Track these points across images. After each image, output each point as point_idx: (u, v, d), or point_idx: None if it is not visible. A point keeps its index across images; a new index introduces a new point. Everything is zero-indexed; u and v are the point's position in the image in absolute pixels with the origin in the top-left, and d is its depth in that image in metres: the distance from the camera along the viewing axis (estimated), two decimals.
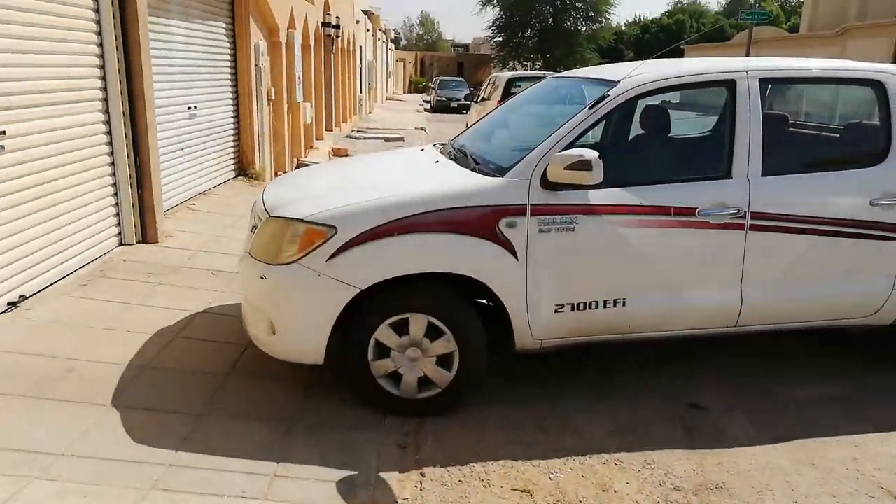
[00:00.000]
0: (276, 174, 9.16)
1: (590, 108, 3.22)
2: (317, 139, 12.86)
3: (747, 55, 20.65)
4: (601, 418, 3.24)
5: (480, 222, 3.01)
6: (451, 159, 3.69)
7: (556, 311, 3.17)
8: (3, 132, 3.87)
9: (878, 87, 3.47)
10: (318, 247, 2.94)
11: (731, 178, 3.28)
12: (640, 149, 4.04)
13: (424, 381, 3.16)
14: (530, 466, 2.84)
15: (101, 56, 4.96)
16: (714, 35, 42.74)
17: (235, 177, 8.21)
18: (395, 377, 3.15)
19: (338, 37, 15.06)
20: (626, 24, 59.14)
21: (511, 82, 12.25)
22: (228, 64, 7.98)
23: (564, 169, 2.98)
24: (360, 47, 21.66)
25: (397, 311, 3.05)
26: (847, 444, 3.06)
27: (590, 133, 3.41)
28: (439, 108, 28.63)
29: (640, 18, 60.16)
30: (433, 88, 32.32)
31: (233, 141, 8.19)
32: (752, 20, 22.59)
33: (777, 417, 3.29)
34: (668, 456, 2.94)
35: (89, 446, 2.72)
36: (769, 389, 3.56)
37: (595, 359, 3.83)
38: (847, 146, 3.89)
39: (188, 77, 6.77)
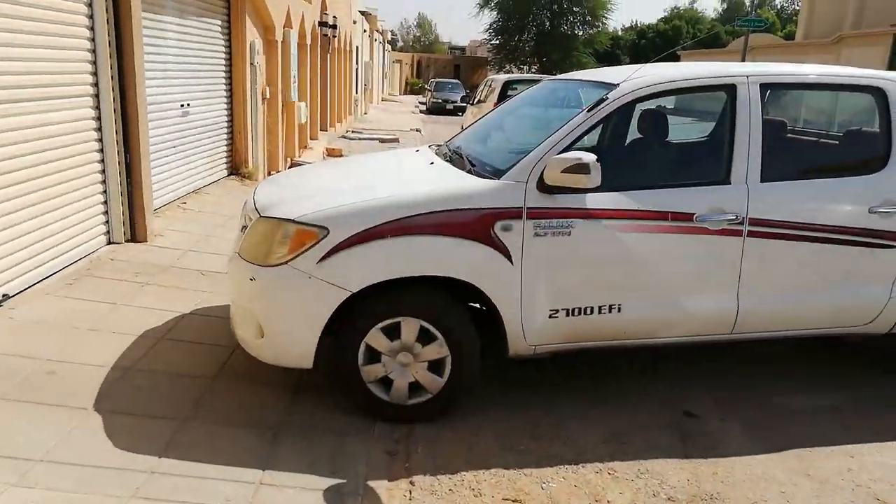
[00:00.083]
0: (269, 173, 9.08)
1: (588, 111, 3.18)
2: (311, 139, 12.79)
3: (743, 62, 20.70)
4: (595, 425, 3.18)
5: (475, 225, 2.96)
6: (447, 161, 3.63)
7: (550, 317, 3.11)
8: None
9: (878, 94, 3.43)
10: (309, 248, 2.88)
11: (730, 183, 3.24)
12: (637, 153, 3.99)
13: (415, 387, 3.10)
14: (522, 475, 2.78)
15: (93, 52, 4.88)
16: (710, 41, 42.91)
17: (228, 176, 8.14)
18: (386, 382, 3.08)
19: (334, 37, 15.00)
20: (622, 29, 59.33)
21: (508, 85, 12.21)
22: (223, 62, 7.91)
23: (562, 172, 2.93)
24: (357, 48, 21.60)
25: (389, 314, 2.99)
26: (842, 455, 3.02)
27: (585, 137, 3.37)
28: (435, 109, 28.59)
29: (636, 24, 60.30)
30: (429, 90, 32.29)
31: (226, 139, 8.12)
32: (748, 27, 22.63)
33: (772, 426, 3.24)
34: (663, 465, 2.89)
35: (69, 452, 2.65)
36: (764, 398, 3.52)
37: (589, 364, 3.78)
38: (846, 153, 3.86)
39: (182, 74, 6.70)
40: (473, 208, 2.97)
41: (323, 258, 2.86)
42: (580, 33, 44.85)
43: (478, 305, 3.19)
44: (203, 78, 7.31)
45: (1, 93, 3.89)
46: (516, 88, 11.29)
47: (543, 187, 3.01)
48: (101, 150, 5.05)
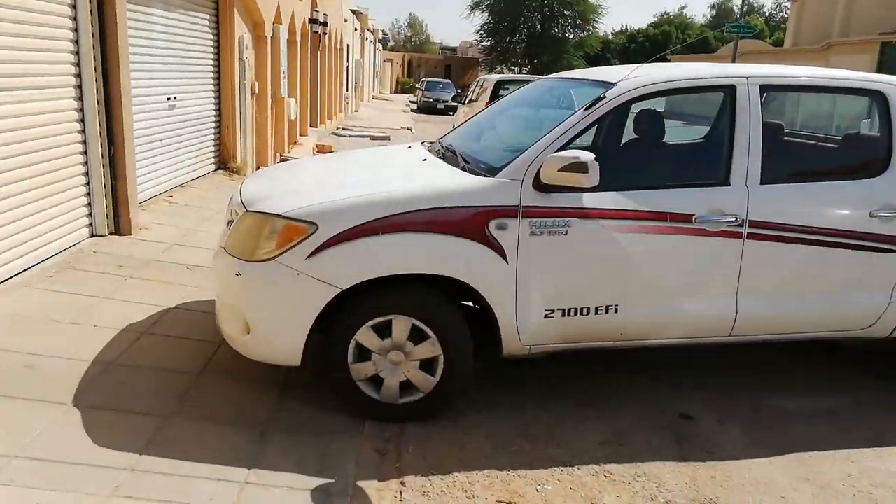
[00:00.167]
0: (257, 169, 8.95)
1: (586, 110, 3.11)
2: (301, 135, 12.66)
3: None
4: (591, 427, 3.12)
5: (469, 223, 2.88)
6: (440, 158, 3.56)
7: (545, 317, 3.05)
8: None
9: (879, 97, 3.40)
10: (297, 244, 2.79)
11: (730, 185, 3.18)
12: (635, 153, 3.93)
13: (407, 386, 3.01)
14: (516, 477, 2.71)
15: (76, 42, 4.75)
16: (699, 46, 43.20)
17: (215, 170, 8.01)
18: (376, 381, 3.00)
19: (325, 34, 14.88)
20: (613, 33, 59.60)
21: (500, 84, 12.16)
22: (211, 56, 7.78)
23: (559, 170, 2.86)
24: (348, 46, 21.48)
25: (380, 312, 2.91)
26: (842, 459, 2.97)
27: (580, 137, 3.31)
28: (426, 108, 28.52)
29: (626, 28, 60.59)
30: (420, 89, 32.20)
31: (214, 134, 7.99)
32: (737, 33, 22.79)
33: (770, 429, 3.19)
34: (660, 468, 2.83)
35: (47, 448, 2.53)
36: (761, 400, 3.47)
37: (584, 365, 3.71)
38: (846, 157, 3.82)
39: (169, 68, 6.57)
40: (468, 206, 2.90)
41: (312, 254, 2.78)
42: (571, 36, 45.02)
43: (471, 304, 3.12)
44: (191, 72, 7.18)
45: None
46: (508, 88, 11.23)
47: (539, 186, 2.94)
48: (84, 142, 4.92)
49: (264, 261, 2.83)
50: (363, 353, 2.95)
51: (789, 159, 3.75)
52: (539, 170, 2.93)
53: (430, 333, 2.94)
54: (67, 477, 2.39)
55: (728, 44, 28.03)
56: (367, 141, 14.60)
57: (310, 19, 13.20)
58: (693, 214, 3.10)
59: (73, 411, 2.79)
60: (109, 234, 5.15)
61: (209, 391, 3.09)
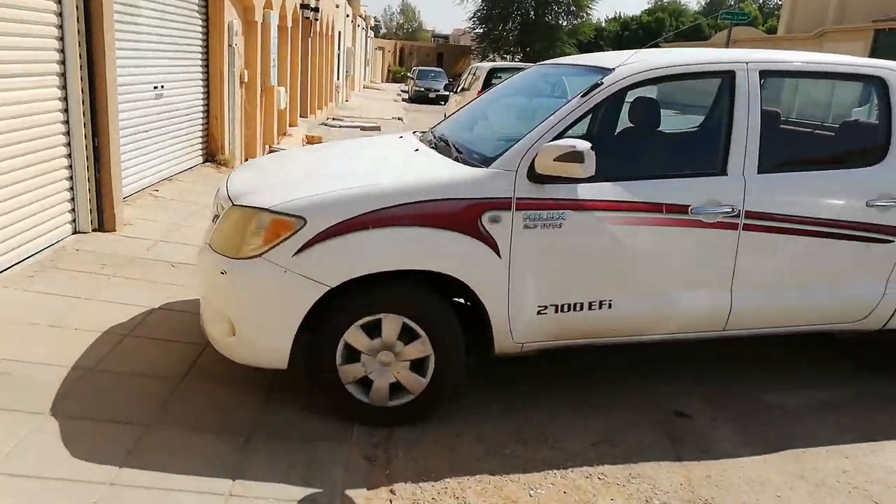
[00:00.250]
0: (246, 161, 8.82)
1: (582, 97, 3.02)
2: (290, 126, 12.51)
3: None
4: (583, 427, 3.06)
5: (462, 216, 2.79)
6: (432, 148, 3.46)
7: (539, 313, 2.97)
8: None
9: (879, 83, 3.32)
10: (284, 240, 2.69)
11: (727, 174, 3.11)
12: (630, 142, 3.84)
13: (397, 388, 2.94)
14: (509, 482, 2.64)
15: (61, 27, 4.61)
16: (692, 34, 42.97)
17: (203, 162, 7.88)
18: (365, 383, 2.92)
19: (316, 20, 14.67)
20: (606, 21, 59.20)
21: (492, 73, 12.03)
22: (200, 43, 7.62)
23: (554, 160, 2.77)
24: (339, 32, 21.23)
25: (369, 311, 2.82)
26: (837, 455, 2.93)
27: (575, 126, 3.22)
28: (417, 98, 28.29)
29: (620, 15, 60.28)
30: (412, 78, 31.93)
31: (201, 124, 7.85)
32: (731, 20, 22.60)
33: (764, 426, 3.14)
34: (654, 468, 2.77)
35: (21, 462, 2.44)
36: (755, 396, 3.42)
37: (577, 361, 3.64)
38: (843, 145, 3.75)
39: (155, 55, 6.42)
40: (460, 198, 2.81)
41: (299, 250, 2.68)
42: (564, 23, 44.64)
43: (462, 301, 3.04)
44: (178, 59, 7.03)
45: None
46: (501, 77, 11.11)
47: (534, 176, 2.86)
48: (68, 133, 4.79)
49: (251, 258, 2.73)
50: (352, 354, 2.87)
51: (786, 148, 3.67)
52: (534, 160, 2.84)
53: (421, 332, 2.86)
54: (42, 493, 2.30)
55: (721, 31, 27.87)
56: (357, 131, 14.45)
57: (301, 4, 12.99)
58: (689, 205, 3.02)
59: (51, 421, 2.70)
60: (93, 230, 5.04)
61: (193, 397, 3.00)
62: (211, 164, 7.91)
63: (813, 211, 3.17)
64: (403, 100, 28.66)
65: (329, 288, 2.71)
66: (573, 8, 43.80)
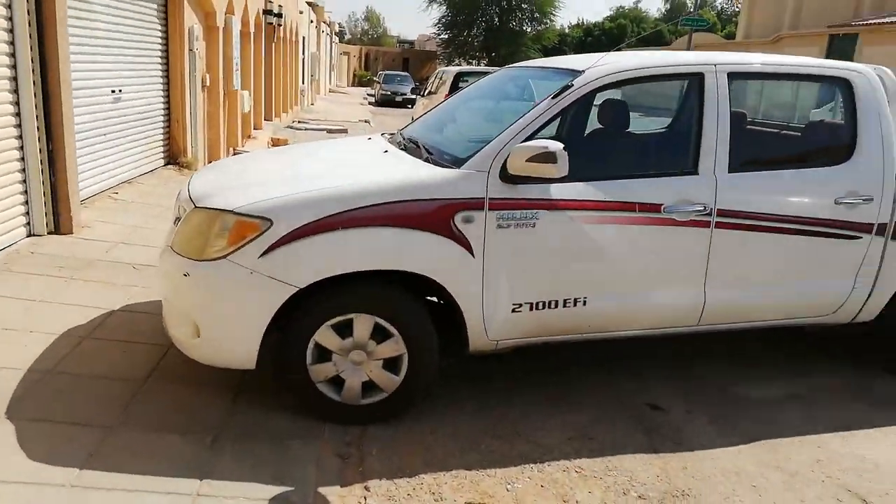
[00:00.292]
0: (209, 163, 8.64)
1: (553, 98, 3.02)
2: (255, 129, 12.33)
3: None
4: (558, 421, 3.04)
5: (434, 216, 2.76)
6: (402, 149, 3.42)
7: (513, 311, 2.95)
8: None
9: (845, 85, 3.39)
10: (250, 241, 2.62)
11: (698, 174, 3.13)
12: (601, 143, 3.86)
13: (369, 386, 2.88)
14: (486, 476, 2.61)
15: (11, 31, 4.45)
16: (653, 39, 43.87)
17: (165, 165, 7.69)
18: (337, 382, 2.86)
19: (280, 25, 14.52)
20: (569, 27, 60.10)
21: (459, 76, 12.02)
22: (159, 47, 7.45)
23: (527, 161, 2.76)
24: (304, 38, 21.05)
25: (340, 311, 2.76)
26: (810, 445, 2.96)
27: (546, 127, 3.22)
28: (384, 101, 28.21)
29: (583, 21, 61.26)
30: (378, 82, 31.85)
31: (163, 128, 7.66)
32: (691, 26, 23.14)
33: (737, 417, 3.17)
34: (631, 461, 2.76)
35: None
36: (726, 388, 3.46)
37: (550, 357, 3.63)
38: (810, 144, 3.81)
39: (113, 58, 6.25)
40: (432, 199, 2.77)
41: (266, 252, 2.61)
42: (528, 29, 45.13)
43: (435, 299, 3.00)
44: (137, 63, 6.86)
45: None
46: (467, 80, 11.12)
47: (506, 177, 2.84)
48: (20, 137, 4.62)
49: (214, 259, 2.65)
50: (323, 354, 2.81)
51: (755, 148, 3.73)
52: (506, 160, 2.83)
53: (394, 332, 2.81)
54: (0, 496, 2.19)
55: (682, 37, 28.48)
56: (323, 134, 14.31)
57: (264, 10, 12.85)
58: (661, 204, 3.04)
59: (6, 424, 2.57)
60: (49, 233, 4.86)
61: (157, 398, 2.89)
62: (173, 167, 7.72)
63: (783, 209, 3.21)
64: (370, 103, 28.54)
65: (297, 289, 2.65)
66: (537, 14, 44.32)
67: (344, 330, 2.79)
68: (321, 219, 2.64)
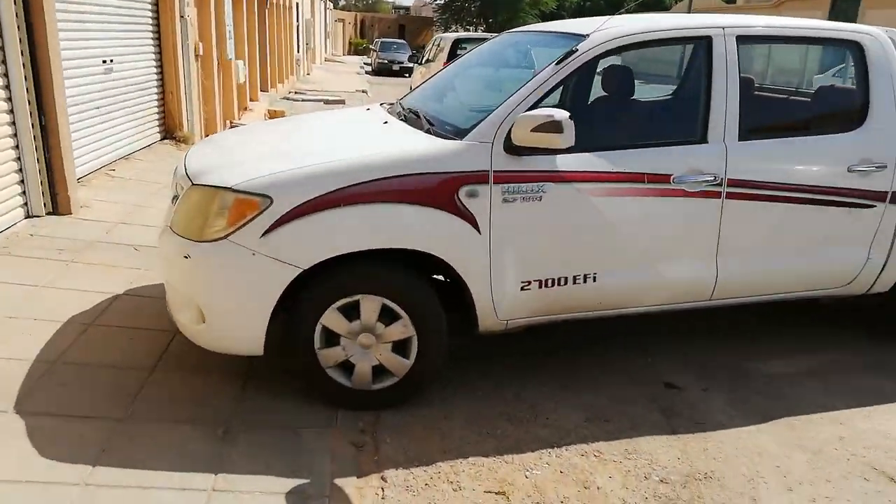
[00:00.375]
0: (206, 137, 8.48)
1: (557, 64, 2.89)
2: (251, 100, 12.11)
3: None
4: (574, 403, 2.99)
5: (437, 191, 2.66)
6: (402, 120, 3.30)
7: (522, 289, 2.87)
8: None
9: (856, 48, 3.27)
10: (250, 220, 2.52)
11: (707, 142, 3.03)
12: (607, 111, 3.74)
13: (380, 370, 2.82)
14: (503, 463, 2.56)
15: None
16: (654, 4, 42.97)
17: (161, 140, 7.54)
18: (347, 367, 2.80)
19: None
20: None
21: (457, 43, 11.78)
22: (150, 14, 7.22)
23: (532, 131, 2.65)
24: (297, 4, 20.57)
25: (346, 292, 2.68)
26: (832, 422, 2.92)
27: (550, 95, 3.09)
28: (381, 70, 27.77)
29: None
30: (374, 50, 31.30)
31: (157, 100, 7.48)
32: None
33: (755, 395, 3.12)
34: (650, 443, 2.72)
35: None
36: (741, 364, 3.41)
37: (561, 336, 3.57)
38: (821, 110, 3.70)
39: (102, 28, 6.04)
40: (435, 172, 2.67)
41: (267, 231, 2.52)
42: None
43: (442, 278, 2.92)
44: (128, 32, 6.64)
45: None
46: (466, 47, 10.87)
47: (511, 148, 2.73)
48: (12, 112, 4.47)
49: (215, 240, 2.56)
50: (331, 338, 2.74)
51: (765, 115, 3.61)
52: (510, 130, 2.72)
53: (402, 313, 2.74)
54: (11, 498, 2.13)
55: (682, 1, 27.86)
56: (321, 105, 14.07)
57: None
58: (671, 174, 2.94)
59: (16, 420, 2.51)
60: (47, 213, 4.75)
61: (165, 387, 2.84)
62: (169, 142, 7.57)
63: (794, 177, 3.13)
64: (366, 72, 28.06)
65: (301, 270, 2.57)
66: None
67: (351, 312, 2.72)
68: (323, 195, 2.54)
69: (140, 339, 3.21)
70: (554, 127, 2.63)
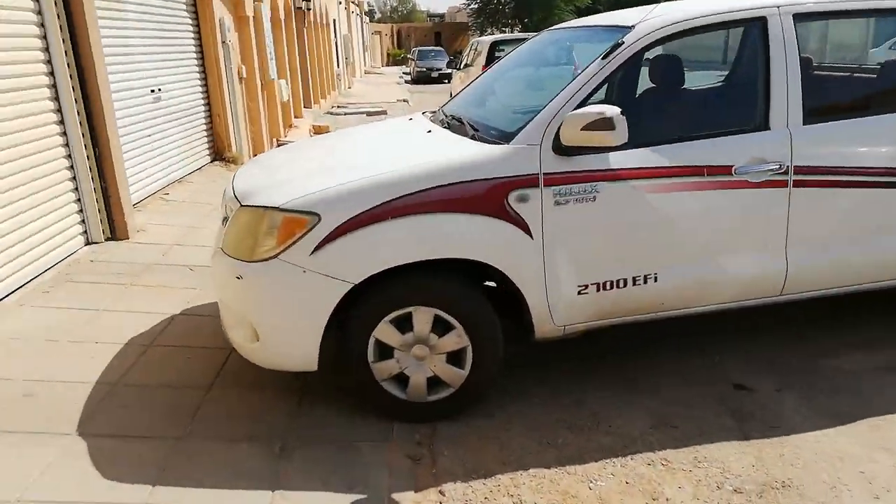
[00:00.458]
0: (253, 157, 8.65)
1: (603, 59, 2.80)
2: (296, 117, 12.32)
3: None
4: (637, 409, 2.87)
5: (486, 198, 2.60)
6: (445, 128, 3.26)
7: (579, 293, 2.78)
8: None
9: None
10: (299, 238, 2.52)
11: (770, 129, 2.88)
12: (657, 103, 3.61)
13: (434, 382, 2.77)
14: (565, 474, 2.47)
15: (45, 38, 4.44)
16: None
17: (211, 162, 7.72)
18: (401, 379, 2.76)
19: (309, 10, 14.40)
20: None
21: (495, 46, 11.76)
22: (193, 42, 7.42)
23: (582, 130, 2.57)
24: (334, 20, 20.91)
25: (398, 305, 2.65)
26: None
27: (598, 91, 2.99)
28: (420, 79, 27.98)
29: None
30: (412, 59, 31.59)
31: (205, 124, 7.67)
32: None
33: (831, 394, 2.93)
34: (721, 450, 2.58)
35: (51, 487, 2.32)
36: (814, 361, 3.21)
37: (617, 339, 3.43)
38: (888, 86, 3.48)
39: (148, 58, 6.23)
40: (482, 179, 2.61)
41: (316, 248, 2.51)
42: None
43: (494, 284, 2.85)
44: (173, 60, 6.84)
45: None
46: (504, 49, 10.83)
47: (560, 149, 2.65)
48: (67, 145, 4.64)
49: (266, 260, 2.57)
50: (384, 351, 2.71)
51: (829, 95, 3.42)
52: (558, 130, 2.64)
53: (455, 323, 2.69)
54: None
55: None
56: (363, 117, 14.22)
57: None
58: (732, 166, 2.81)
59: (79, 442, 2.57)
60: (106, 239, 4.90)
61: (223, 405, 2.86)
62: (219, 163, 7.75)
63: (865, 160, 2.95)
64: (406, 82, 28.33)
65: (352, 285, 2.54)
66: None
67: (404, 324, 2.69)
68: (370, 209, 2.52)
69: (197, 357, 3.26)
70: (605, 124, 2.54)
